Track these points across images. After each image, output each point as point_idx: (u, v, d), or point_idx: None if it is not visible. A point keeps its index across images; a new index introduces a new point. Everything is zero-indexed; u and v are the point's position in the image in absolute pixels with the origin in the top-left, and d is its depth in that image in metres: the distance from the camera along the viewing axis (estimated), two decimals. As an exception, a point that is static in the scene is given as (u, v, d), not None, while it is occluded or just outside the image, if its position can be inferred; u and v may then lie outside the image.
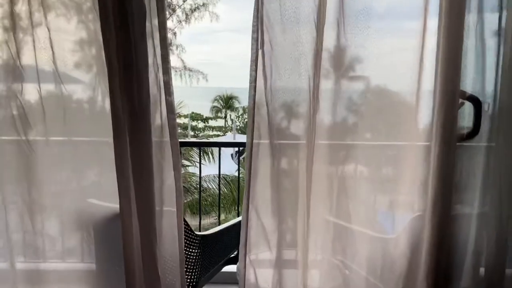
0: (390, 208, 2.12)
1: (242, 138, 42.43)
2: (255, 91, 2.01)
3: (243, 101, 51.40)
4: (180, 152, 2.20)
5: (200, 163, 3.66)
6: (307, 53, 2.02)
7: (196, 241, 2.19)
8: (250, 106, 2.03)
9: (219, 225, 5.63)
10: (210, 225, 12.68)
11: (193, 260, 2.18)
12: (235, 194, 10.55)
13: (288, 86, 2.05)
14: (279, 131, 2.05)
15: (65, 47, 2.05)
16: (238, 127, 50.06)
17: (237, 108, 52.94)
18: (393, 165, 2.13)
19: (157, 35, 2.03)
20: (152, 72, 2.01)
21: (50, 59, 2.04)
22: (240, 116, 53.89)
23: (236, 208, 10.92)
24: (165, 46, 2.05)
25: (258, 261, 2.20)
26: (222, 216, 12.14)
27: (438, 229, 1.86)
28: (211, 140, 11.24)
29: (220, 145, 3.20)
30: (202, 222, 11.58)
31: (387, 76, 2.05)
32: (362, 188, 2.11)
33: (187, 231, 2.15)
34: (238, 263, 2.28)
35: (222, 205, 11.03)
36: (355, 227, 2.08)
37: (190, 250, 2.18)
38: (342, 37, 1.97)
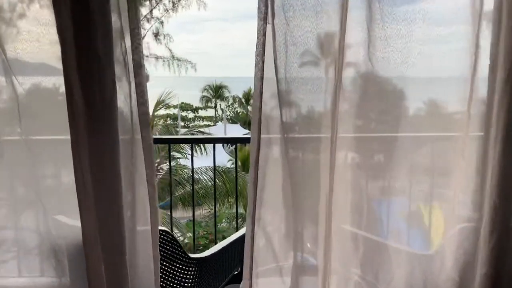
0: (429, 217, 1.72)
1: (233, 128, 42.03)
2: (262, 80, 1.57)
3: (233, 90, 50.86)
4: (168, 151, 1.76)
5: (192, 157, 3.32)
6: (333, 27, 1.56)
7: (192, 266, 1.77)
8: (256, 98, 1.59)
9: (215, 221, 5.26)
10: (203, 217, 12.32)
11: (189, 287, 1.76)
12: (228, 186, 10.15)
13: (306, 73, 1.63)
14: (293, 126, 1.63)
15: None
16: (229, 116, 49.50)
17: (227, 97, 52.29)
18: (435, 161, 1.71)
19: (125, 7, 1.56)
20: (119, 53, 1.56)
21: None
22: (230, 106, 53.29)
23: (229, 200, 10.54)
24: (135, 19, 1.59)
25: (267, 282, 1.79)
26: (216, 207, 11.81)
27: (497, 246, 1.46)
28: (203, 133, 10.81)
29: (214, 141, 2.81)
30: (196, 212, 11.18)
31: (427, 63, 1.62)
32: (397, 193, 1.70)
33: (180, 254, 1.73)
34: (241, 284, 1.88)
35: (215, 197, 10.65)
36: (387, 242, 1.67)
37: (185, 275, 1.76)
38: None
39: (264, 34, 1.56)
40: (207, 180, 10.05)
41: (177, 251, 1.70)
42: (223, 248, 1.95)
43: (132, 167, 1.62)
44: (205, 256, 1.86)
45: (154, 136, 2.61)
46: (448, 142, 1.62)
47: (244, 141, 3.61)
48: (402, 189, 1.73)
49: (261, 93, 1.57)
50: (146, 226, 1.66)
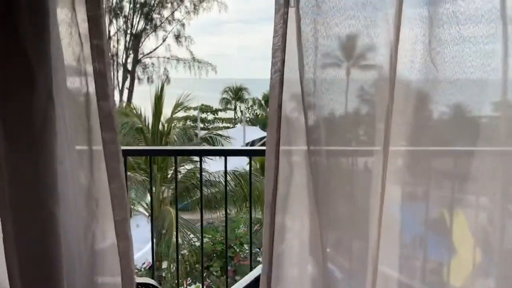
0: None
1: (252, 130, 42.00)
2: (281, 81, 1.27)
3: (253, 92, 50.80)
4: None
5: (200, 166, 3.17)
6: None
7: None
8: (273, 101, 1.27)
9: (226, 231, 5.06)
10: (221, 221, 12.20)
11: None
12: (245, 190, 9.98)
13: (333, 73, 1.40)
14: (324, 136, 1.33)
15: None
16: (248, 118, 49.45)
17: (246, 99, 52.30)
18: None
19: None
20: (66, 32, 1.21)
21: None
22: (250, 108, 53.31)
23: (247, 205, 10.37)
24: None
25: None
26: (233, 213, 11.61)
27: None
28: (221, 136, 10.62)
29: (225, 153, 2.54)
30: (212, 215, 11.04)
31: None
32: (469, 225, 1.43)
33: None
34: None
35: (232, 201, 10.47)
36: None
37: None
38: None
39: (285, 22, 1.22)
40: (224, 185, 9.92)
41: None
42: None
43: (92, 183, 1.32)
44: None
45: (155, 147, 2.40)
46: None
47: (258, 153, 3.17)
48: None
49: (280, 98, 1.28)
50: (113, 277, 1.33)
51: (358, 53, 1.41)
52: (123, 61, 53.70)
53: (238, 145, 33.28)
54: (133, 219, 10.47)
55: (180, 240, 7.91)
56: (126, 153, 2.58)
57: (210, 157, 10.71)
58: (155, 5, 51.85)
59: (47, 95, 1.17)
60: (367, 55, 1.42)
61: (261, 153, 2.67)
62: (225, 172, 2.37)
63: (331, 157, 1.37)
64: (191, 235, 8.41)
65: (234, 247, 10.32)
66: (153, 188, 9.68)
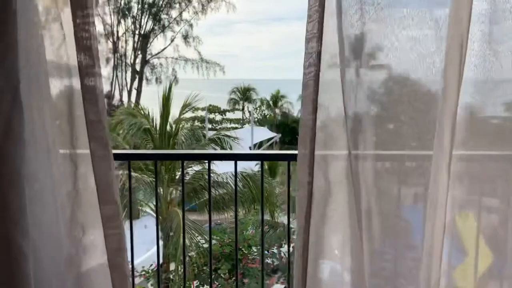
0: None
1: (260, 131, 41.83)
2: (317, 78, 1.10)
3: (261, 92, 50.72)
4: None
5: (209, 179, 3.05)
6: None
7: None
8: (307, 102, 1.13)
9: (236, 238, 4.94)
10: (229, 223, 12.09)
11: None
12: (254, 192, 9.85)
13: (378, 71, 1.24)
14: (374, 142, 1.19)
15: None
16: (256, 119, 49.33)
17: (254, 99, 52.20)
18: None
19: None
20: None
21: None
22: (258, 108, 53.18)
23: (256, 206, 10.26)
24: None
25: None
26: (241, 215, 11.49)
27: None
28: (229, 137, 10.47)
29: (235, 157, 2.34)
30: (221, 216, 10.91)
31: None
32: None
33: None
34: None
35: (240, 203, 10.36)
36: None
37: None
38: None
39: (322, 5, 1.00)
40: (233, 186, 9.81)
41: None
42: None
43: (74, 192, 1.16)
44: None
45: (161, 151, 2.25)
46: None
47: (269, 158, 3.02)
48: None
49: (315, 100, 1.12)
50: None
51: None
52: (132, 61, 53.96)
53: (246, 146, 33.18)
54: (140, 220, 10.40)
55: (187, 242, 7.82)
56: (130, 157, 2.48)
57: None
58: (163, 5, 52.01)
59: (12, 96, 0.99)
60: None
61: (272, 157, 2.65)
62: (235, 178, 2.16)
63: (379, 165, 1.20)
64: (199, 237, 8.31)
65: (242, 249, 10.21)
66: (161, 190, 9.60)
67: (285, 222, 11.83)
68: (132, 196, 9.76)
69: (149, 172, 9.44)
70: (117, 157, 1.66)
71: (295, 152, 1.25)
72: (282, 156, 2.33)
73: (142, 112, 9.74)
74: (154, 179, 8.92)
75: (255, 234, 10.48)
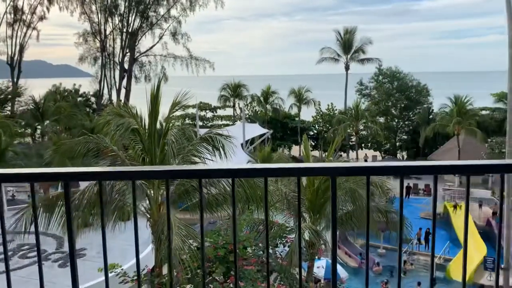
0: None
1: (252, 127, 41.33)
2: None
3: (252, 89, 50.46)
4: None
5: (201, 201, 2.10)
6: None
7: None
8: None
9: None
10: (221, 224, 11.84)
11: None
12: (248, 192, 9.56)
13: None
14: None
15: None
16: (247, 115, 49.08)
17: (245, 96, 51.96)
18: None
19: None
20: None
21: None
22: (249, 104, 52.96)
23: (250, 207, 9.99)
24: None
25: None
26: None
27: None
28: (221, 135, 10.07)
29: (233, 174, 1.65)
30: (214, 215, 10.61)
31: None
32: None
33: None
34: None
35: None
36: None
37: None
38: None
39: None
40: (226, 185, 9.52)
41: None
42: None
43: None
44: None
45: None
46: None
47: (275, 174, 1.40)
48: None
49: None
50: None
51: None
52: (120, 60, 53.34)
53: (238, 143, 32.89)
54: (131, 221, 10.08)
55: (179, 245, 7.56)
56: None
57: (210, 157, 10.36)
58: (151, 2, 51.48)
59: None
60: None
61: (278, 173, 1.64)
62: (233, 199, 1.63)
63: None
64: (191, 241, 8.03)
65: (237, 251, 9.99)
66: (151, 192, 9.30)
67: (280, 221, 11.63)
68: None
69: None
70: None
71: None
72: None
73: (130, 112, 9.41)
74: (143, 182, 8.61)
75: (250, 235, 10.21)
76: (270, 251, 11.12)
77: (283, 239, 10.38)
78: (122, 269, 9.31)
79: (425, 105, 44.36)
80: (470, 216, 25.35)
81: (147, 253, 12.73)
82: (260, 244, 10.27)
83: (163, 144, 9.03)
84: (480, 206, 25.81)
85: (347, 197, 10.59)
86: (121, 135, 8.81)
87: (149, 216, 9.55)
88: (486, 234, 23.46)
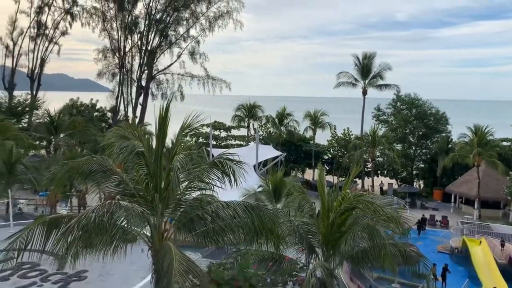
0: None
1: (264, 149, 40.79)
2: None
3: (267, 110, 50.03)
4: None
5: None
6: None
7: None
8: None
9: None
10: (228, 257, 11.11)
11: None
12: (256, 223, 8.81)
13: None
14: None
15: None
16: (261, 136, 48.46)
17: (260, 117, 51.48)
18: None
19: None
20: None
21: None
22: (263, 126, 52.43)
23: (258, 240, 9.26)
24: None
25: None
26: (241, 248, 10.46)
27: None
28: (231, 161, 9.42)
29: None
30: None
31: None
32: None
33: None
34: None
35: (241, 234, 9.35)
36: None
37: None
38: None
39: None
40: (233, 216, 8.86)
41: None
42: None
43: None
44: None
45: None
46: None
47: None
48: None
49: None
50: None
51: None
52: (137, 77, 53.72)
53: (250, 164, 32.21)
54: (137, 243, 9.50)
55: (180, 285, 6.92)
56: None
57: (219, 185, 9.71)
58: (171, 22, 52.00)
59: None
60: None
61: None
62: None
63: None
64: (191, 276, 7.37)
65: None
66: (154, 220, 8.70)
67: (291, 256, 10.84)
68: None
69: (142, 199, 8.58)
70: None
71: None
72: None
73: (137, 134, 8.91)
74: (145, 209, 8.01)
75: (257, 270, 9.46)
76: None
77: (293, 278, 9.62)
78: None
79: (443, 134, 43.30)
80: (491, 254, 24.06)
81: (148, 280, 12.09)
82: (268, 280, 9.54)
83: (168, 170, 8.48)
84: (503, 245, 24.44)
85: (364, 233, 9.87)
86: (125, 158, 8.32)
87: (150, 245, 8.95)
88: (508, 273, 22.15)
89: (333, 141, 46.95)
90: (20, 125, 45.25)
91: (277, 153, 41.25)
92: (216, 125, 51.22)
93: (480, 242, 25.75)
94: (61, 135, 36.56)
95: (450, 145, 41.04)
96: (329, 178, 43.14)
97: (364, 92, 45.25)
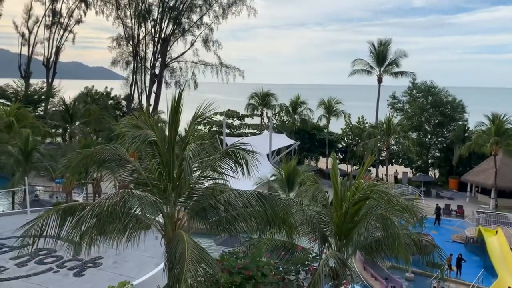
0: None
1: (278, 137, 40.51)
2: None
3: (280, 98, 49.72)
4: None
5: None
6: None
7: None
8: None
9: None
10: (240, 245, 11.14)
11: None
12: (268, 213, 8.78)
13: None
14: None
15: None
16: (275, 125, 48.25)
17: (273, 105, 51.21)
18: None
19: None
20: None
21: None
22: (277, 114, 52.19)
23: (271, 229, 9.25)
24: None
25: None
26: (254, 237, 10.46)
27: None
28: (244, 150, 9.34)
29: None
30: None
31: None
32: None
33: None
34: None
35: (253, 224, 9.33)
36: None
37: None
38: None
39: None
40: (245, 205, 8.84)
41: None
42: None
43: None
44: None
45: None
46: None
47: None
48: None
49: None
50: None
51: None
52: (151, 65, 53.76)
53: (264, 153, 32.07)
54: (151, 230, 9.59)
55: (193, 273, 6.96)
56: None
57: (232, 174, 9.70)
58: (184, 9, 51.74)
59: None
60: None
61: None
62: None
63: None
64: (203, 265, 7.38)
65: (255, 277, 9.22)
66: (167, 208, 8.74)
67: (304, 245, 10.78)
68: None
69: (154, 188, 8.61)
70: None
71: None
72: None
73: (150, 123, 8.91)
74: (158, 198, 8.04)
75: (270, 259, 9.46)
76: (292, 277, 10.36)
77: (306, 267, 9.61)
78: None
79: (460, 122, 42.56)
80: (507, 244, 23.73)
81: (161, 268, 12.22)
82: (281, 268, 9.55)
83: (181, 159, 8.47)
84: (519, 233, 24.09)
85: (378, 223, 9.77)
86: (137, 147, 8.33)
87: (163, 234, 9.00)
88: (525, 263, 21.85)
89: (347, 130, 46.54)
90: (36, 113, 45.91)
91: (291, 141, 41.07)
92: (230, 114, 51.13)
93: (496, 232, 25.40)
94: (77, 123, 36.99)
95: (466, 134, 40.34)
96: (343, 167, 42.89)
97: (380, 80, 44.62)
